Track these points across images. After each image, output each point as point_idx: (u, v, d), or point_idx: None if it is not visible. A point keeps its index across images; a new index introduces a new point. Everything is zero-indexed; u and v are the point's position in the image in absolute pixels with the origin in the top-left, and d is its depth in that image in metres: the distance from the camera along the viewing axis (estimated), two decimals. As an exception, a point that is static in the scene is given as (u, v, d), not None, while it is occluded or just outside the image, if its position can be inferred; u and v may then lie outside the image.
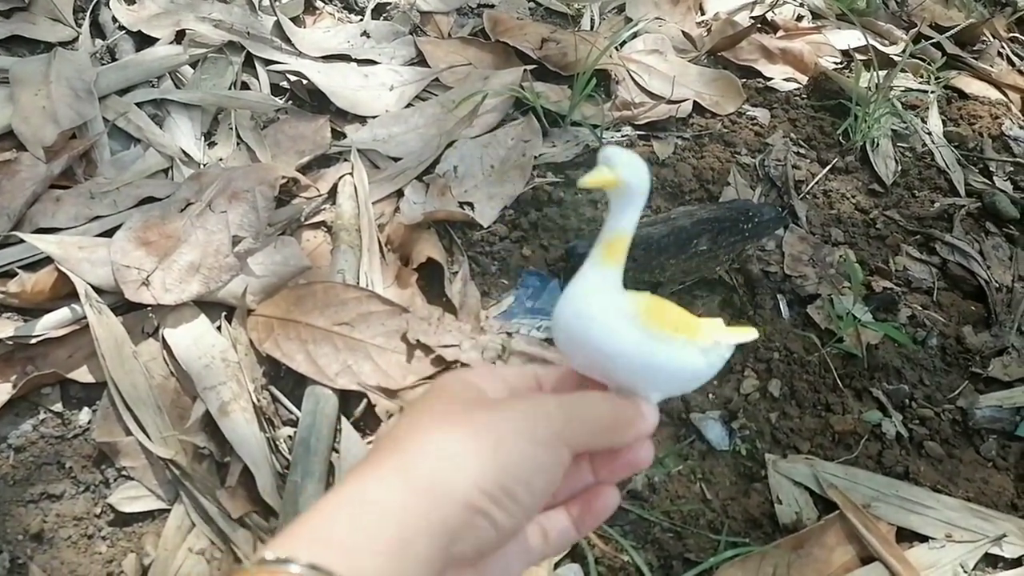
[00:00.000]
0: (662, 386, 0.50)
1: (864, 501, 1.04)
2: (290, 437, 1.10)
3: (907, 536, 1.04)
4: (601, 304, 0.48)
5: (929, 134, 1.65)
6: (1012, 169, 1.59)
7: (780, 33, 1.89)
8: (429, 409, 0.45)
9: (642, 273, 1.17)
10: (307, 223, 1.35)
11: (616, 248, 0.49)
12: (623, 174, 0.47)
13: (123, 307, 1.15)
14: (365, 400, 1.11)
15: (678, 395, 0.50)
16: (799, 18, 1.98)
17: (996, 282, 1.35)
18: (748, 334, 0.54)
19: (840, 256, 1.35)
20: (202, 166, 1.37)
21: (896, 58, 1.75)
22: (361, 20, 1.74)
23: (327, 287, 1.18)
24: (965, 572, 0.99)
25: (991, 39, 1.97)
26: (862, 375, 1.19)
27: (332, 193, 1.38)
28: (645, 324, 0.48)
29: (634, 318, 0.48)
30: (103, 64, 1.51)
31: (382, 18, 1.75)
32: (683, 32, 1.80)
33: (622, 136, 1.52)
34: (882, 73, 1.63)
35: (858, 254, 1.37)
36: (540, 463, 0.42)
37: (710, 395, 1.15)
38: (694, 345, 0.50)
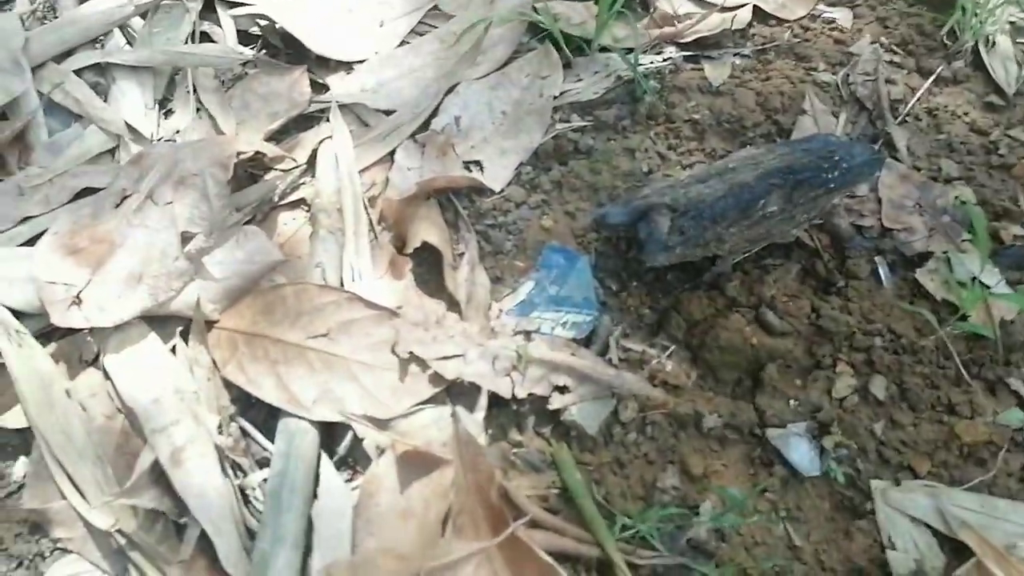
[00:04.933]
0: None
1: (1007, 540, 0.78)
2: (266, 480, 0.89)
3: (1070, 585, 0.77)
4: None
5: (1059, 24, 1.30)
6: None
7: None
8: None
9: (692, 248, 0.90)
10: (284, 203, 1.11)
11: None
12: None
13: (57, 331, 0.95)
14: (351, 433, 0.89)
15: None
16: None
17: None
18: None
19: (955, 197, 1.04)
20: (154, 143, 1.14)
21: (1011, -73, 1.38)
22: (344, -58, 1.45)
23: (299, 290, 0.95)
24: None
25: None
26: (994, 361, 0.91)
27: (312, 162, 1.14)
28: None
29: None
30: (44, 24, 1.28)
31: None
32: (736, -81, 1.46)
33: (664, 60, 1.23)
34: (996, -51, 1.28)
35: (978, 192, 1.07)
36: None
37: (791, 401, 0.89)
38: None
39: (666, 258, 0.90)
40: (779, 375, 0.90)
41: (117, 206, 0.99)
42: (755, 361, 0.91)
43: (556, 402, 0.88)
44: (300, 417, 0.89)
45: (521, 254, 1.04)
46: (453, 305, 0.97)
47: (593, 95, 1.19)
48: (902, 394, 0.88)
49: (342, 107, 1.19)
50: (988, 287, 0.92)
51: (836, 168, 0.90)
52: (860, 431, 0.86)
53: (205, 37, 1.28)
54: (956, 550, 0.79)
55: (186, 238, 0.97)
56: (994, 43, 1.24)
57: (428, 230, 1.01)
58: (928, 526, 0.80)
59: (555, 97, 1.18)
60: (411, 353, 0.90)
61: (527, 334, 0.93)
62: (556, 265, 1.01)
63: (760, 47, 1.24)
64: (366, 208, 1.09)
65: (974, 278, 0.93)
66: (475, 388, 0.89)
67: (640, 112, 1.16)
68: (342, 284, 0.99)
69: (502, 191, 1.10)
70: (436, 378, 0.89)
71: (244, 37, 1.30)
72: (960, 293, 0.91)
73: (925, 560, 0.78)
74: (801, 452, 0.85)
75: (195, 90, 1.21)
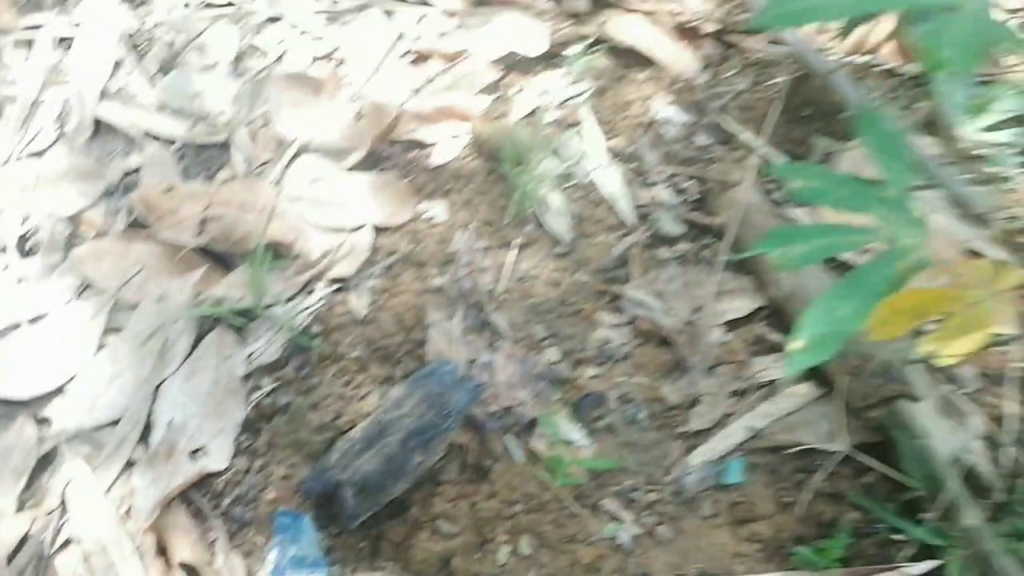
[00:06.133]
0: None
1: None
2: None
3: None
4: None
5: (589, 158, 1.71)
6: (668, 171, 1.70)
7: (434, 69, 1.85)
8: None
9: (377, 508, 1.26)
10: (55, 552, 1.34)
11: None
12: None
13: None
14: None
15: None
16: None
17: (678, 322, 1.50)
18: None
19: (545, 362, 1.47)
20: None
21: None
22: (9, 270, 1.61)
23: (101, 646, 1.22)
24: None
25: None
26: (591, 489, 1.36)
27: (65, 506, 1.37)
28: None
29: None
30: None
31: (28, 252, 1.62)
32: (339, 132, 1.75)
33: (319, 300, 1.54)
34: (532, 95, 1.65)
35: (562, 346, 1.48)
36: None
37: (475, 577, 1.30)
38: None
39: (359, 521, 1.26)
40: (464, 561, 1.30)
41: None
42: (446, 558, 1.30)
43: (321, 649, 1.24)
44: None
45: (260, 526, 1.35)
46: (224, 599, 1.29)
47: (274, 355, 1.48)
48: (540, 544, 1.31)
49: (71, 440, 1.42)
50: (571, 442, 1.37)
51: (450, 416, 1.28)
52: (522, 583, 1.29)
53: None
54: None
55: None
56: (548, 202, 1.64)
57: (181, 546, 1.30)
58: (573, 635, 1.25)
59: (244, 371, 1.46)
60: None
61: (285, 605, 1.27)
62: (289, 527, 1.34)
63: (387, 263, 1.57)
64: (137, 551, 1.33)
65: (565, 443, 1.36)
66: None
67: (313, 360, 1.48)
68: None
69: (228, 467, 1.40)
70: (231, 674, 1.21)
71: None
72: (560, 454, 1.35)
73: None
74: (489, 614, 1.27)
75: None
